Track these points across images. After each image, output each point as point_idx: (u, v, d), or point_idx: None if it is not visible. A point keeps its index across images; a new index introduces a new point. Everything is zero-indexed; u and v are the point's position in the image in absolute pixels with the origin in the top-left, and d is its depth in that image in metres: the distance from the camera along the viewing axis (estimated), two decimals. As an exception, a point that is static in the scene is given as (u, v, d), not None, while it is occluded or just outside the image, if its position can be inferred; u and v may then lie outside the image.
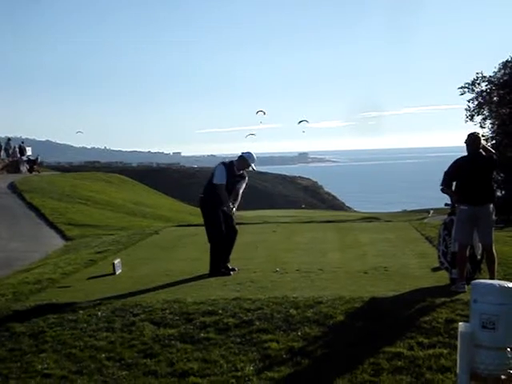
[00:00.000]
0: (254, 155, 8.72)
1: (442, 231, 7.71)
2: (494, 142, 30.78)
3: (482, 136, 7.41)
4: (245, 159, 8.64)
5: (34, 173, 35.33)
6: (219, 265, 8.45)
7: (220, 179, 8.46)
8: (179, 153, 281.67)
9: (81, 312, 6.52)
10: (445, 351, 5.14)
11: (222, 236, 8.48)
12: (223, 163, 8.70)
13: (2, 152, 37.78)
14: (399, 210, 54.87)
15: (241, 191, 8.77)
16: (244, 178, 8.77)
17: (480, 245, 7.23)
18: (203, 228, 8.95)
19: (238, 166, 8.63)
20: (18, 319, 6.41)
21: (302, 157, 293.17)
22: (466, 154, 7.10)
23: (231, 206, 8.55)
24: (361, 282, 7.60)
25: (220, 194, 8.46)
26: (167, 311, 6.37)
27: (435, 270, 8.08)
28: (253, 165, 8.68)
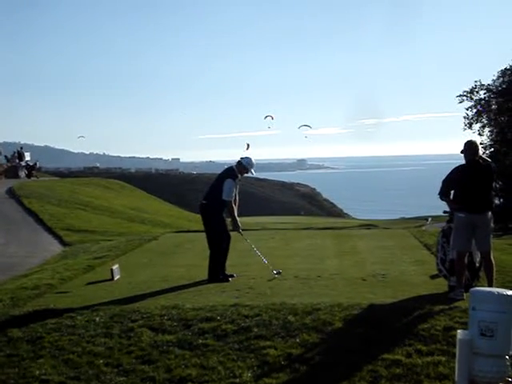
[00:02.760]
0: (253, 160, 8.77)
1: (440, 239, 7.72)
2: (492, 149, 30.89)
3: (480, 144, 7.44)
4: (244, 166, 8.69)
5: (32, 178, 35.28)
6: (218, 271, 8.46)
7: (230, 195, 8.50)
8: (178, 159, 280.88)
9: (79, 318, 6.51)
10: (443, 359, 5.14)
11: (224, 243, 8.51)
12: (230, 175, 8.64)
13: (1, 157, 37.76)
14: (397, 217, 54.85)
15: (237, 195, 8.86)
16: (239, 181, 8.86)
17: (478, 252, 7.24)
18: (202, 234, 8.95)
19: (238, 172, 8.71)
20: (16, 325, 6.39)
21: (301, 163, 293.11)
22: (464, 162, 7.12)
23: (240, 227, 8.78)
24: (359, 288, 7.60)
25: (230, 210, 8.57)
26: (165, 317, 6.36)
27: (433, 277, 8.08)
28: (252, 170, 8.76)
